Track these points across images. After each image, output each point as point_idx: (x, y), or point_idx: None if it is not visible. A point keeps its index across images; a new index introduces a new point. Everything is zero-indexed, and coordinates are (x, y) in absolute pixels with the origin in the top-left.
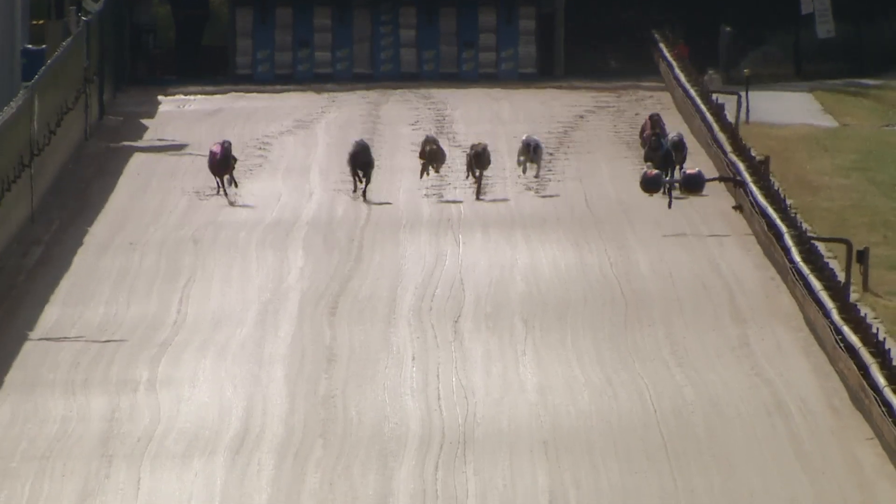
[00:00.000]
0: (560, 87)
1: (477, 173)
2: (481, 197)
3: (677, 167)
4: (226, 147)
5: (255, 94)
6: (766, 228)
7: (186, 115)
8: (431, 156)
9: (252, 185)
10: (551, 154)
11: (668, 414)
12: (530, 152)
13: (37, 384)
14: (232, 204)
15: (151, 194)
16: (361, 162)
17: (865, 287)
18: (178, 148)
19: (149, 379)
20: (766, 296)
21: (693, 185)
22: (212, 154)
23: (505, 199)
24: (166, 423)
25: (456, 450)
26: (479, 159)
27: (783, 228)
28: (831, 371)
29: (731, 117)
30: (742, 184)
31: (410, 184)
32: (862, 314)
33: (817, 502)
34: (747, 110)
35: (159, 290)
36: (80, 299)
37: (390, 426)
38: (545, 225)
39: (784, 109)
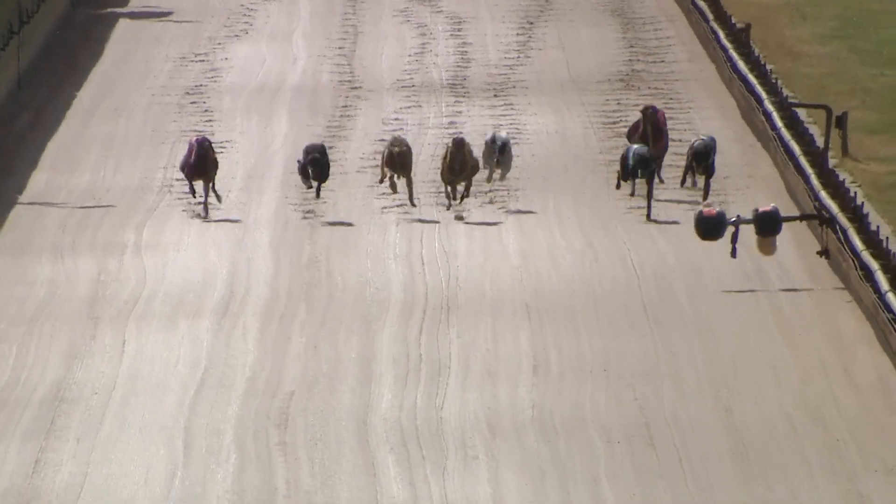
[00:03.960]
0: None
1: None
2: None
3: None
4: (203, 145)
5: None
6: (745, 94)
7: None
8: (399, 160)
9: (237, 51)
10: (531, 23)
11: (649, 279)
12: (495, 153)
13: (25, 248)
14: (204, 218)
15: (137, 60)
16: (399, 163)
17: (844, 152)
18: (162, 15)
19: (135, 243)
20: (746, 162)
21: (768, 226)
22: (188, 150)
23: (487, 65)
24: (152, 287)
25: (439, 314)
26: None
27: (763, 95)
28: (810, 236)
29: None
30: (830, 222)
31: (393, 50)
32: (840, 179)
33: (797, 367)
34: None
35: (145, 156)
36: (67, 164)
37: (373, 290)
38: (528, 92)
39: None
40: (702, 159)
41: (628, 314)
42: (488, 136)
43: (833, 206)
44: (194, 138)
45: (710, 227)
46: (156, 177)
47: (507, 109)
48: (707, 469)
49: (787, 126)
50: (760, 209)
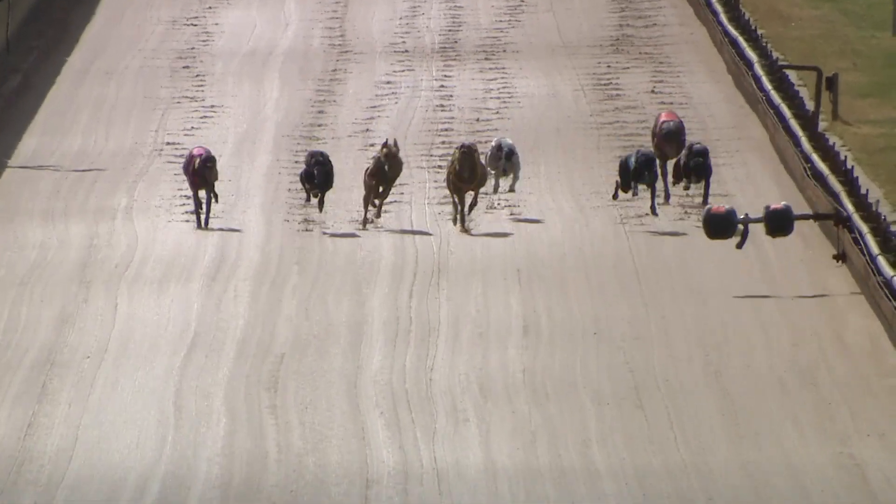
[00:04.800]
0: None
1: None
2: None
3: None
4: (207, 166)
5: None
6: (736, 57)
7: None
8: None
9: (228, 15)
10: None
11: (640, 243)
12: (501, 160)
13: (16, 212)
14: (205, 228)
15: (128, 24)
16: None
17: (835, 115)
18: None
19: (126, 207)
20: (735, 125)
21: (779, 224)
22: (190, 158)
23: (478, 29)
24: (143, 250)
25: (429, 277)
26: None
27: (754, 58)
28: (801, 199)
29: None
30: (846, 221)
31: (384, 14)
32: (831, 143)
33: (788, 331)
34: None
35: (137, 120)
36: (58, 128)
37: (364, 254)
38: (519, 56)
39: None
40: (698, 161)
41: (619, 278)
42: (493, 144)
43: (825, 169)
44: (200, 147)
45: (718, 225)
46: (147, 141)
47: (499, 73)
48: (697, 432)
49: (778, 89)
50: (771, 207)
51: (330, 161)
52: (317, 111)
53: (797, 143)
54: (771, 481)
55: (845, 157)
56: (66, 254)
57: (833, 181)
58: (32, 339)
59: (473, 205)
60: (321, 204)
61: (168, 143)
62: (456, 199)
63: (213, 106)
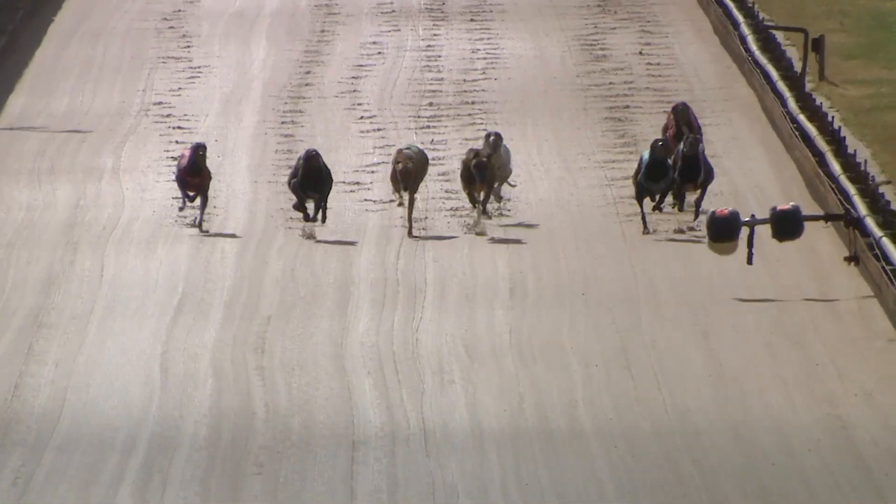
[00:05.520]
0: None
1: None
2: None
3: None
4: (199, 153)
5: None
6: (722, 17)
7: None
8: (405, 176)
9: None
10: None
11: (627, 204)
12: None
13: (3, 173)
14: (204, 231)
15: None
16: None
17: (822, 76)
18: None
19: (113, 167)
20: (722, 86)
21: (787, 227)
22: (180, 159)
23: None
24: (130, 212)
25: (416, 239)
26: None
27: (740, 18)
28: (788, 160)
29: None
30: (857, 222)
31: None
32: (818, 103)
33: (775, 292)
34: None
35: (123, 80)
36: (45, 89)
37: (351, 215)
38: (505, 16)
39: None
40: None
41: (606, 239)
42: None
43: (812, 130)
44: (188, 148)
45: (722, 228)
46: (134, 101)
47: (485, 33)
48: (685, 393)
49: (764, 49)
50: (779, 208)
51: (321, 158)
52: (304, 72)
53: (784, 104)
54: (758, 441)
55: (832, 117)
56: (52, 215)
57: (820, 142)
58: (19, 300)
59: (486, 201)
60: (324, 214)
61: (155, 104)
62: (471, 200)
63: (199, 67)
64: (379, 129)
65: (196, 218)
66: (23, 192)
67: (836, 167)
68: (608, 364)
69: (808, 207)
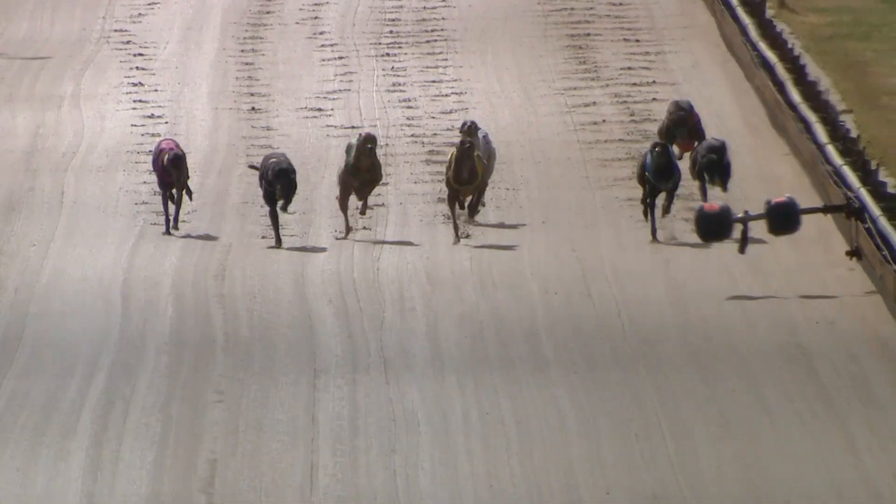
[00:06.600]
0: None
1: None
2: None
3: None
4: (180, 154)
5: None
6: None
7: None
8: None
9: None
10: None
11: (587, 131)
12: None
13: None
14: (172, 233)
15: None
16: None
17: (782, 4)
18: None
19: (73, 94)
20: (682, 13)
21: (784, 221)
22: (158, 151)
23: None
24: (90, 139)
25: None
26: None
27: None
28: (748, 88)
29: None
30: (860, 213)
31: None
32: (778, 30)
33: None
34: None
35: (83, 6)
36: (2, 15)
37: (312, 141)
38: None
39: None
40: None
41: (566, 166)
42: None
43: (772, 57)
44: (169, 139)
45: (712, 225)
46: (94, 28)
47: None
48: (645, 320)
49: None
50: (773, 201)
51: (290, 163)
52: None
53: (744, 31)
54: (718, 368)
55: (793, 45)
56: (11, 142)
57: (780, 69)
58: None
59: (475, 203)
60: (285, 206)
61: (115, 31)
62: (454, 203)
63: None
64: (341, 58)
65: (174, 217)
66: None
67: (796, 96)
68: (569, 291)
69: (770, 137)
